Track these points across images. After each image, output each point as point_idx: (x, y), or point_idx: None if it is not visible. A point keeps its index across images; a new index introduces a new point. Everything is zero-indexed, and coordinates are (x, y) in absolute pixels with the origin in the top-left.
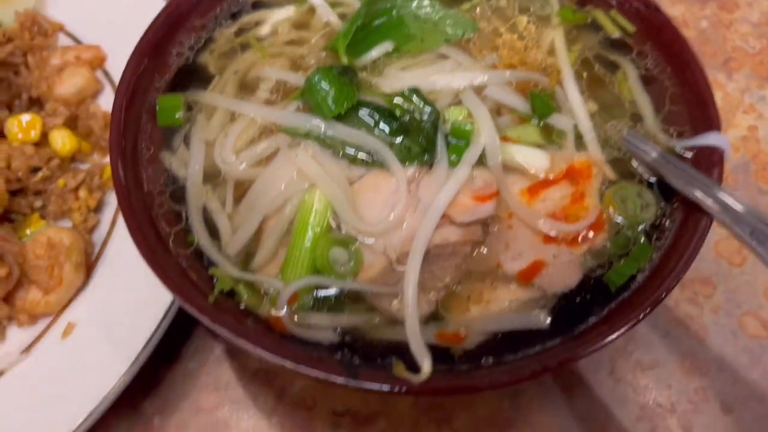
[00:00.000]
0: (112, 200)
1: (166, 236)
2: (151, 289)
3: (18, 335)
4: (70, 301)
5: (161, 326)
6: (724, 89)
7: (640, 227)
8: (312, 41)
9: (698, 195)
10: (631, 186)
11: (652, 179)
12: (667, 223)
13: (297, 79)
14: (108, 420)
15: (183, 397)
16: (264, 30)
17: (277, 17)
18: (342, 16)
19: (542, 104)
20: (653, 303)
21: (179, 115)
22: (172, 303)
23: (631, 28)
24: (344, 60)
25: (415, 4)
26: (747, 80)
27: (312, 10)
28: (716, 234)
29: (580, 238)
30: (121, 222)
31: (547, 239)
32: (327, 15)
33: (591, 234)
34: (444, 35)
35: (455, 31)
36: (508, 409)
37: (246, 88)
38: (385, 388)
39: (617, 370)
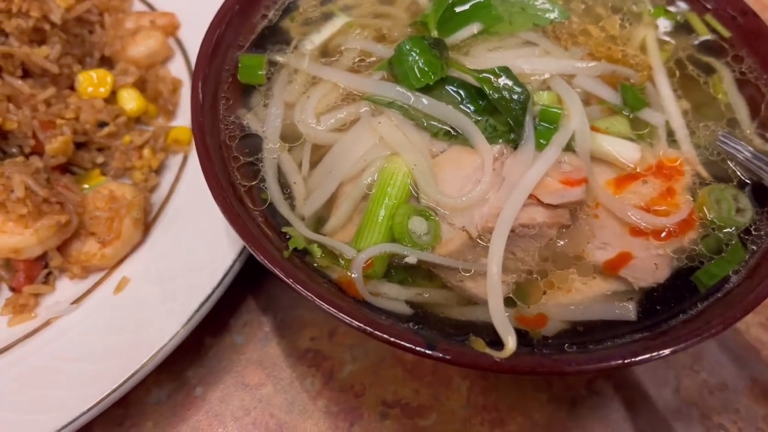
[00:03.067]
0: (173, 164)
1: (241, 189)
2: (208, 253)
3: (68, 287)
4: (125, 256)
5: (217, 290)
6: None
7: (734, 230)
8: (397, 16)
9: None
10: (728, 188)
11: (747, 181)
12: (764, 228)
13: (381, 50)
14: (148, 384)
15: (227, 371)
16: (349, 1)
17: None
18: None
19: (634, 97)
20: (752, 304)
21: (261, 73)
22: (230, 268)
23: (726, 33)
24: (434, 33)
25: None
26: None
27: None
28: None
29: (667, 234)
30: (181, 185)
31: (635, 232)
32: None
33: (680, 231)
34: (533, 18)
35: (545, 15)
36: (566, 417)
37: (327, 55)
38: (469, 360)
39: (683, 388)
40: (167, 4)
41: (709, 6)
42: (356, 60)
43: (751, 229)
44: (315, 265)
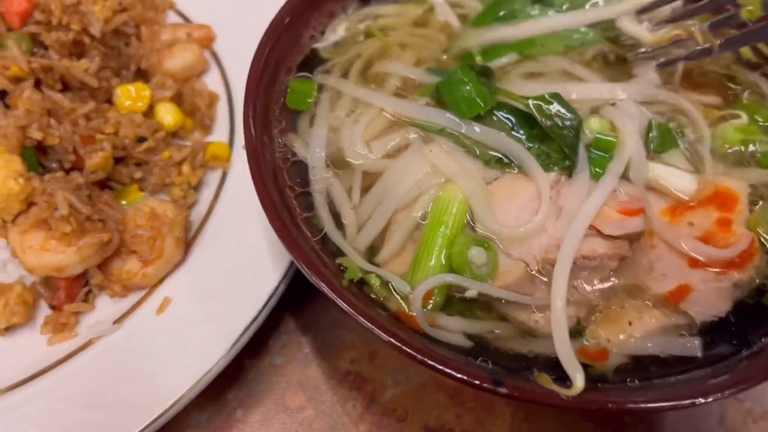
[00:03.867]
0: (211, 180)
1: (297, 217)
2: (251, 274)
3: (108, 306)
4: (166, 275)
5: (262, 313)
6: None
7: None
8: (434, 38)
9: None
10: None
11: None
12: None
13: (425, 76)
14: (188, 407)
15: (267, 393)
16: (383, 23)
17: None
18: (462, 17)
19: (663, 139)
20: None
21: (310, 100)
22: (275, 290)
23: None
24: (478, 60)
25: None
26: None
27: (431, 9)
28: None
29: (727, 265)
30: (221, 203)
31: (694, 263)
32: (446, 15)
33: (741, 261)
34: (565, 40)
35: (576, 36)
36: None
37: (369, 79)
38: (538, 397)
39: (728, 418)
40: (202, 17)
41: None
42: (400, 85)
43: None
44: (372, 295)
